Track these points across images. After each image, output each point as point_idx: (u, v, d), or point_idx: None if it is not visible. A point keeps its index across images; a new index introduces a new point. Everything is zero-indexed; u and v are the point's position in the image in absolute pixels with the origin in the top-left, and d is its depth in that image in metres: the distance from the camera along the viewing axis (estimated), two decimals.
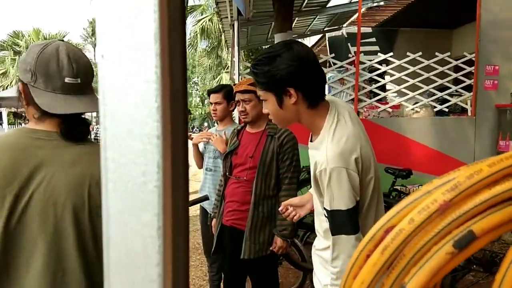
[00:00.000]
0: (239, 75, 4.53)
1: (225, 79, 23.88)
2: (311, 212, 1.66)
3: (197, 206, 3.18)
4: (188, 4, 12.44)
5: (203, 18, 15.26)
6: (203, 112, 54.74)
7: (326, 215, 1.29)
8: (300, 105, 1.34)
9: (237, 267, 2.44)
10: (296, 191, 2.37)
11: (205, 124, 54.68)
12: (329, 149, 1.25)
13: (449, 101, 5.03)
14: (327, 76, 5.99)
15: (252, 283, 2.46)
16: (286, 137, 2.30)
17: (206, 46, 17.71)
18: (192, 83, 57.48)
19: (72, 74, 1.09)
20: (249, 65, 5.77)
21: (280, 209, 1.80)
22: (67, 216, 1.03)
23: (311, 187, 1.51)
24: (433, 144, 4.60)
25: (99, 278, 1.00)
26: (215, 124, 3.22)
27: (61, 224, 1.03)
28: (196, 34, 15.62)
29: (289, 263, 3.03)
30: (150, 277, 0.27)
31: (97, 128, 8.21)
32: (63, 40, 1.19)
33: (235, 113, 3.76)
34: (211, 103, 2.91)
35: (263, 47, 10.04)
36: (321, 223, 1.43)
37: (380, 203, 1.38)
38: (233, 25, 5.11)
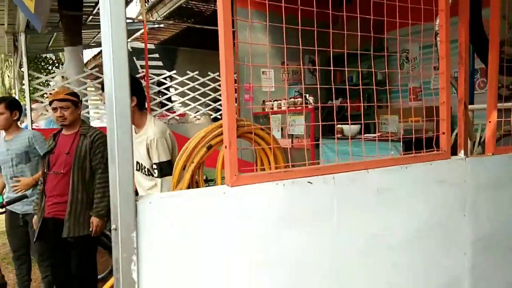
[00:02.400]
0: (29, 85, 4.53)
1: None
2: None
3: None
4: None
5: None
6: None
7: (156, 167, 2.21)
8: (136, 107, 2.35)
9: (60, 253, 2.80)
10: (108, 179, 2.92)
11: None
12: (155, 129, 2.26)
13: (221, 110, 6.39)
14: None
15: (72, 264, 2.81)
16: (97, 135, 2.83)
17: None
18: None
19: None
20: (32, 73, 5.64)
21: None
22: None
23: None
24: None
25: None
26: None
27: None
28: None
29: (102, 248, 3.51)
30: None
31: None
32: None
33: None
34: None
35: (43, 55, 9.52)
36: (145, 188, 2.36)
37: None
38: (18, 35, 5.01)
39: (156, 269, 1.04)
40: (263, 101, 6.01)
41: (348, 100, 1.52)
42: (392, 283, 1.51)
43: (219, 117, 6.61)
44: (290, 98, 5.43)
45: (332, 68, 1.48)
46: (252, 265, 1.21)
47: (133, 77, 2.78)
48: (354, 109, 4.59)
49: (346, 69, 1.53)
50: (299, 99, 5.26)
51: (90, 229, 2.72)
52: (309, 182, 1.30)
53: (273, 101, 5.64)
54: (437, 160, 1.63)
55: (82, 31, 7.81)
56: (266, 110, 5.67)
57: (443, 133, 1.65)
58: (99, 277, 3.36)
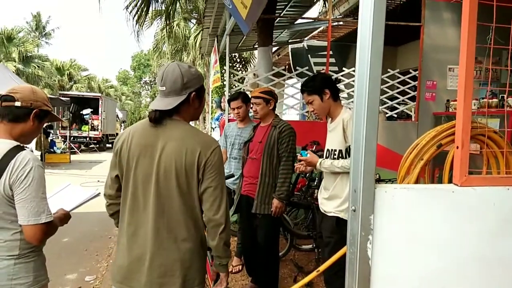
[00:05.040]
0: (229, 82, 5.32)
1: None
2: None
3: None
4: (155, 9, 13.01)
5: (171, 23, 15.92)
6: None
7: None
8: (331, 99, 2.60)
9: (249, 223, 3.29)
10: (292, 166, 3.18)
11: None
12: (350, 112, 2.43)
13: (397, 108, 6.17)
14: (291, 81, 6.98)
15: (259, 236, 3.25)
16: (285, 127, 3.15)
17: (171, 49, 18.29)
18: (143, 83, 56.08)
19: (160, 83, 1.61)
20: (232, 71, 6.56)
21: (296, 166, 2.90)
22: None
23: None
24: (385, 143, 5.68)
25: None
26: None
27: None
28: (163, 37, 16.31)
29: (282, 228, 3.91)
30: None
31: None
32: (174, 61, 1.82)
33: None
34: (233, 108, 3.69)
35: (233, 54, 10.92)
36: (332, 173, 2.59)
37: None
38: (219, 37, 5.90)
39: (386, 249, 1.16)
40: (447, 100, 5.55)
41: None
42: None
43: (395, 115, 6.38)
44: (481, 99, 4.86)
45: None
46: (468, 259, 1.23)
47: (324, 73, 3.05)
48: None
49: None
50: (494, 100, 4.66)
51: (271, 210, 3.07)
52: None
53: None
54: None
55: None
56: (451, 110, 5.22)
57: None
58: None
